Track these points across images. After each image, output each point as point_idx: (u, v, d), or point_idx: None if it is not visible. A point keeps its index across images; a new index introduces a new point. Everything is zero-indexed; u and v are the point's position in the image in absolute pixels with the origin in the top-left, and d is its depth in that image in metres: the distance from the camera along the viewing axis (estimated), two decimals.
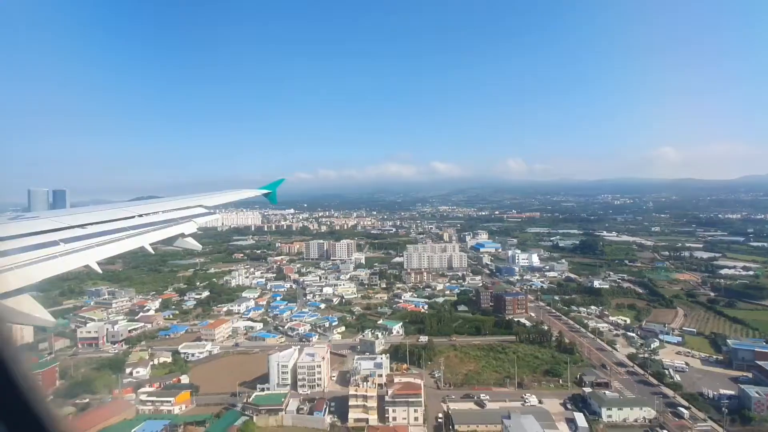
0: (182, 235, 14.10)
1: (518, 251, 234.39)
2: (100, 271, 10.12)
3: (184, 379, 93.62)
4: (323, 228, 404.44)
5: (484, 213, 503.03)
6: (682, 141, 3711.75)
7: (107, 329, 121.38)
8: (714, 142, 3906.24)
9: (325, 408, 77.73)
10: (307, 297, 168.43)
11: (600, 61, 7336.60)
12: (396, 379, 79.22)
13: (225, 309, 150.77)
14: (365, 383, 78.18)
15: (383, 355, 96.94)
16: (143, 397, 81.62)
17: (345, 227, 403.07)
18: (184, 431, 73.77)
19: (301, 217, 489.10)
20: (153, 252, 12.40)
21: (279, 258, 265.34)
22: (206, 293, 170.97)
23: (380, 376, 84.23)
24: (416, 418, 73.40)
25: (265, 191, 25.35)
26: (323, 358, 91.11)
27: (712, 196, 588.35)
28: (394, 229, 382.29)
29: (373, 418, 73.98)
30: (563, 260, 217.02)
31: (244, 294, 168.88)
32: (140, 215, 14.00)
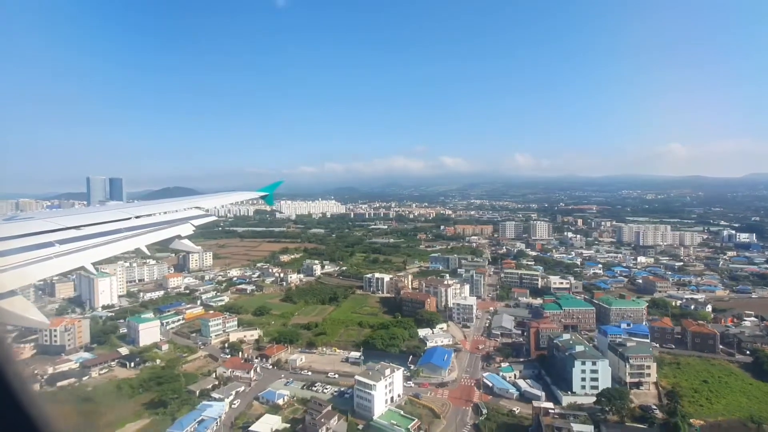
0: (179, 237, 14.17)
1: (733, 232, 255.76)
2: (95, 272, 10.36)
3: None
4: (409, 215, 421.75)
5: (533, 206, 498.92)
6: (686, 138, 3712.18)
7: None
8: (718, 139, 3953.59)
9: None
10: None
11: (604, 59, 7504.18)
12: None
13: (591, 272, 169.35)
14: None
15: None
16: None
17: (430, 216, 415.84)
18: None
19: (363, 207, 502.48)
20: (149, 253, 12.67)
21: (475, 237, 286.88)
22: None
23: None
24: None
25: (263, 193, 25.24)
26: None
27: (737, 193, 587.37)
28: (499, 218, 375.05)
29: None
30: None
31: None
32: (137, 217, 14.04)
